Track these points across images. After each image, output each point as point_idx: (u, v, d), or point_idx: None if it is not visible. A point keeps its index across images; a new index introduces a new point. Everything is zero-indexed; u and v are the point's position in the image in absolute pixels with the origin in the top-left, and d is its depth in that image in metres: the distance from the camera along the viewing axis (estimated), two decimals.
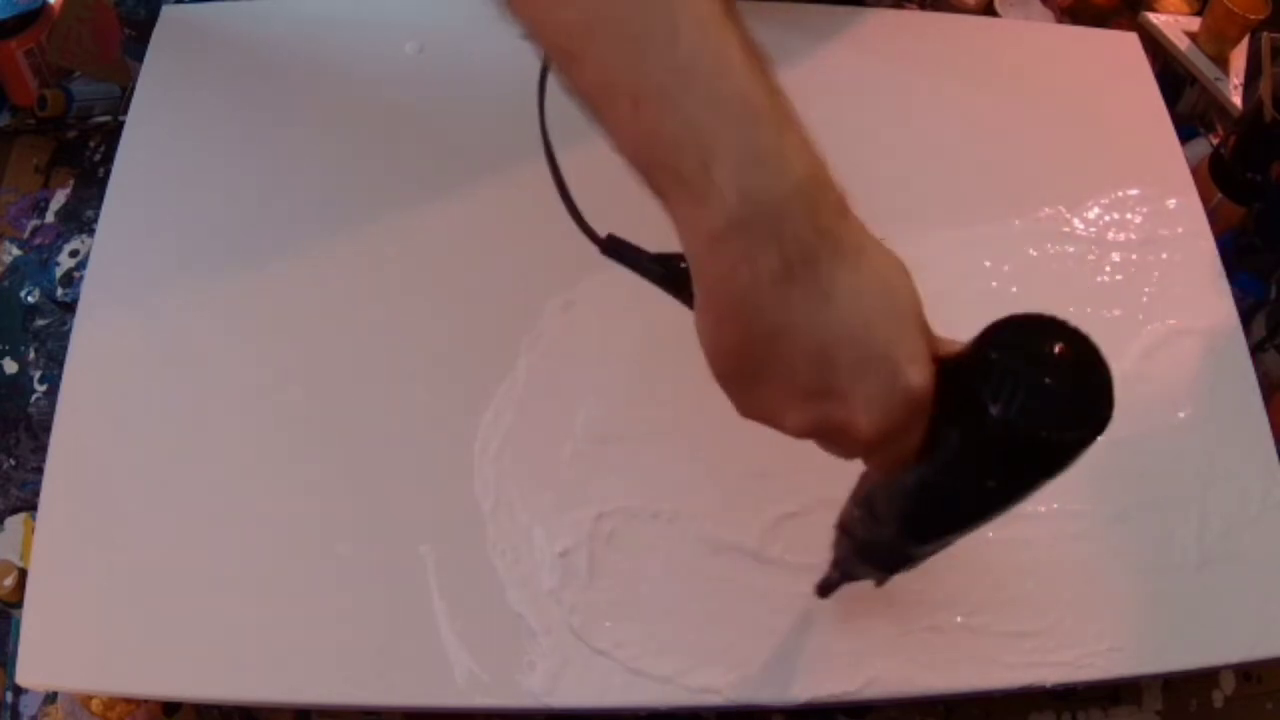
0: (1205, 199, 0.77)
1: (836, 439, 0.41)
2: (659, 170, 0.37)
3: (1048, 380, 0.40)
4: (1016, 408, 0.38)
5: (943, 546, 0.47)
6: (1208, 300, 0.71)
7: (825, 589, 0.53)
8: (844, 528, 0.50)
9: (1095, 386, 0.42)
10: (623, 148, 0.37)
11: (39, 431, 0.66)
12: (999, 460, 0.40)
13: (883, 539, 0.48)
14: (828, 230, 0.37)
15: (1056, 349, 0.41)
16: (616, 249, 0.44)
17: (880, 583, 0.51)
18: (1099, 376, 0.42)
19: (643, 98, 0.36)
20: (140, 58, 0.74)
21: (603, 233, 0.44)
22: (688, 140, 0.36)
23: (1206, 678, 0.65)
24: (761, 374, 0.39)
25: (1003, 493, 0.42)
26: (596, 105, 0.37)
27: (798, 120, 0.38)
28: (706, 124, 0.35)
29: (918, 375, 0.38)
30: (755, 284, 0.36)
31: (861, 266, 0.38)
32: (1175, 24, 0.92)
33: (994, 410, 0.38)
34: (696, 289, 0.39)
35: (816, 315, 0.37)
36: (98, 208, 0.67)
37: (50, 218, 0.75)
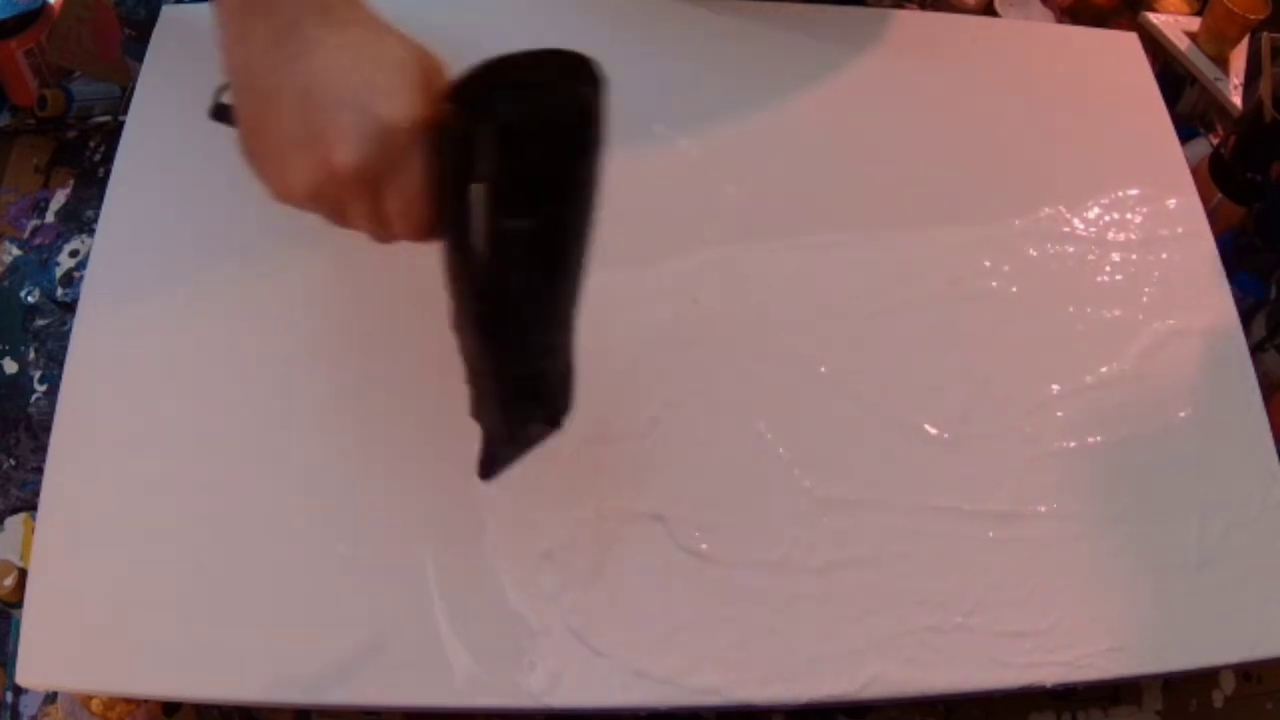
0: (1205, 199, 0.77)
1: (333, 189, 0.44)
2: None
3: (503, 156, 0.40)
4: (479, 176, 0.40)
5: (531, 349, 0.46)
6: (1208, 300, 0.71)
7: (485, 464, 0.52)
8: (467, 379, 0.49)
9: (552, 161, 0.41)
10: None
11: (39, 431, 0.66)
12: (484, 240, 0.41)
13: (471, 353, 0.47)
14: (321, 5, 0.43)
15: (522, 116, 0.40)
16: (219, 114, 0.48)
17: (524, 433, 0.50)
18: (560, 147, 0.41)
19: None
20: (140, 58, 0.74)
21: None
22: None
23: (1206, 678, 0.65)
24: (266, 137, 0.44)
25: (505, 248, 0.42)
26: None
27: None
28: None
29: (388, 107, 0.41)
30: (252, 53, 0.43)
31: (348, 31, 0.43)
32: (1175, 24, 0.92)
33: (450, 173, 0.41)
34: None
35: (296, 67, 0.42)
36: (98, 208, 0.67)
37: (50, 218, 0.75)
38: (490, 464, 0.53)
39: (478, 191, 0.40)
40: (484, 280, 0.44)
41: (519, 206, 0.40)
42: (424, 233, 0.45)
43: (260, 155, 0.46)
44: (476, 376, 0.48)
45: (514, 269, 0.43)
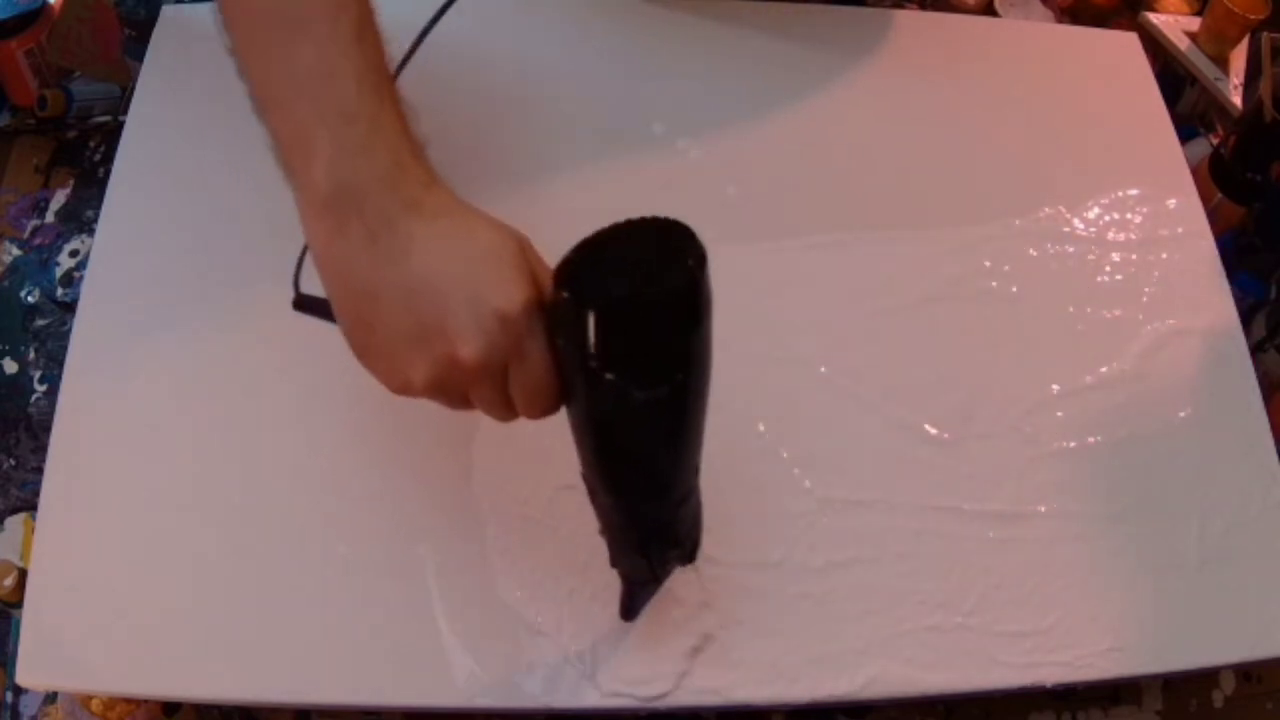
0: (1205, 199, 0.77)
1: (457, 381, 0.44)
2: (284, 167, 0.45)
3: (630, 334, 0.41)
4: (591, 354, 0.40)
5: (667, 499, 0.47)
6: (1208, 300, 0.71)
7: (627, 608, 0.53)
8: (602, 531, 0.50)
9: (669, 328, 0.41)
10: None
11: (39, 431, 0.66)
12: (602, 396, 0.42)
13: (607, 509, 0.48)
14: (410, 200, 0.43)
15: (623, 290, 0.41)
16: (303, 304, 0.49)
17: (664, 573, 0.51)
18: (674, 318, 0.41)
19: (270, 105, 0.45)
20: (140, 58, 0.74)
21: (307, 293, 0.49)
22: (296, 140, 0.44)
23: (1206, 678, 0.65)
24: (374, 335, 0.45)
25: (639, 424, 0.43)
26: (258, 112, 0.45)
27: (398, 123, 0.45)
28: (310, 127, 0.43)
29: (501, 297, 0.42)
30: (348, 252, 0.43)
31: (440, 223, 0.43)
32: (1175, 24, 0.92)
33: (571, 352, 0.41)
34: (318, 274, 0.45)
35: (399, 267, 0.43)
36: (98, 208, 0.67)
37: (50, 218, 0.75)
38: (632, 606, 0.54)
39: (609, 373, 0.41)
40: (617, 448, 0.45)
41: (655, 379, 0.41)
42: (552, 411, 0.45)
43: (371, 353, 0.46)
44: (613, 531, 0.50)
45: (646, 436, 0.44)
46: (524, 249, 0.44)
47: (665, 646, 0.56)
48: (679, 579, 0.57)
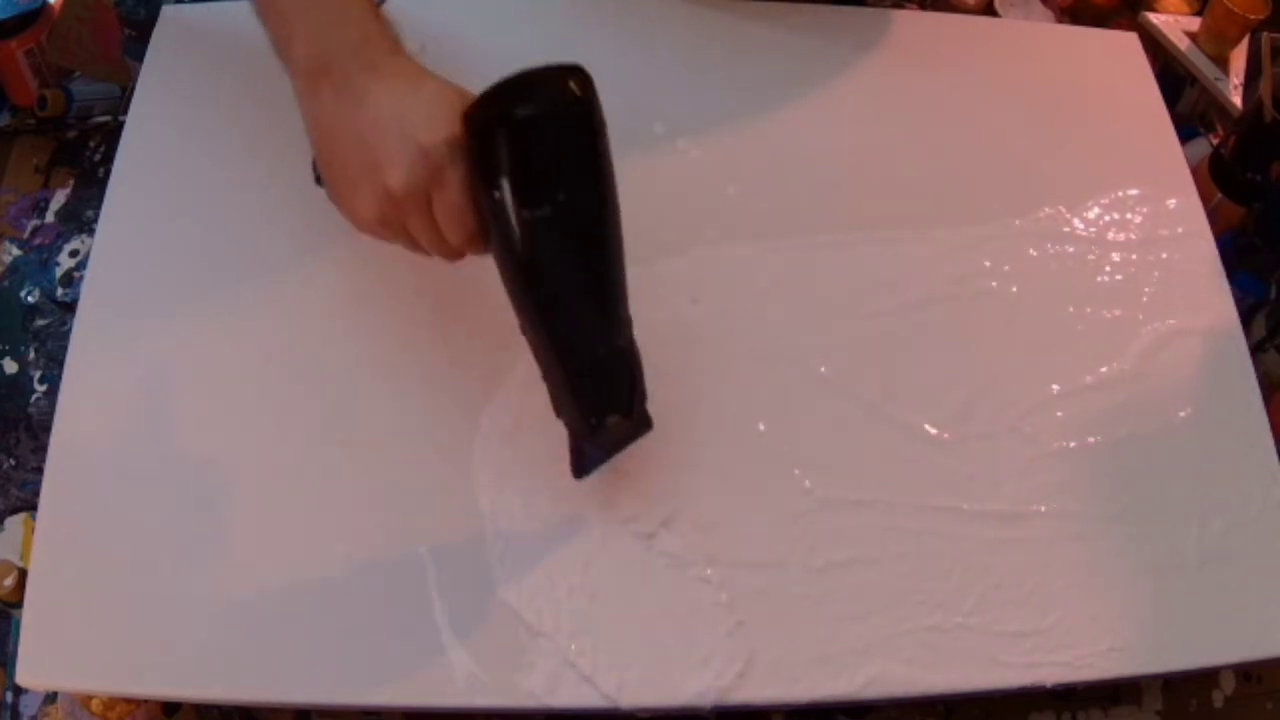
0: (1205, 199, 0.77)
1: (394, 212, 0.51)
2: (278, 55, 0.54)
3: (511, 153, 0.46)
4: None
5: (582, 336, 0.50)
6: (1208, 300, 0.71)
7: (575, 462, 0.55)
8: (546, 381, 0.53)
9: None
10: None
11: (39, 431, 0.66)
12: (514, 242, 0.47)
13: (534, 346, 0.51)
14: (370, 63, 0.51)
15: (521, 114, 0.46)
16: (320, 179, 0.55)
17: (614, 429, 0.53)
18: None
19: (265, 7, 0.53)
20: (140, 58, 0.74)
21: None
22: (282, 27, 0.53)
23: (1206, 678, 0.65)
24: (336, 175, 0.53)
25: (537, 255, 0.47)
26: (258, 15, 0.54)
27: (365, 4, 0.53)
28: (291, 14, 0.52)
29: (424, 131, 0.49)
30: (319, 107, 0.52)
31: (394, 80, 0.51)
32: (1175, 24, 0.92)
33: (475, 180, 0.47)
34: None
35: (353, 113, 0.51)
36: (98, 208, 0.67)
37: (50, 218, 0.75)
38: (579, 461, 0.55)
39: (498, 191, 0.46)
40: (524, 275, 0.49)
41: (538, 196, 0.45)
42: (476, 241, 0.51)
43: (337, 194, 0.53)
44: (547, 374, 0.52)
45: (548, 257, 0.48)
46: (463, 101, 0.50)
47: (666, 646, 0.56)
48: (680, 579, 0.57)
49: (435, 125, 0.49)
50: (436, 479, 0.59)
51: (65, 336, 0.65)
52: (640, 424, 0.56)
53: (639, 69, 0.76)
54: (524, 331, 0.52)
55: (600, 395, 0.52)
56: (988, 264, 0.70)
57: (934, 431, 0.63)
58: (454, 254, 0.53)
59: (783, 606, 0.57)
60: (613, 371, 0.52)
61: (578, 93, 0.46)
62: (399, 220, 0.51)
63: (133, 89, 0.72)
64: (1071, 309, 0.69)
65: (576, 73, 0.47)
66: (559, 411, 0.54)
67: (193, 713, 0.59)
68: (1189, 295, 0.71)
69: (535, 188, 0.46)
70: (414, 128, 0.49)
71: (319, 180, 0.55)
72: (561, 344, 0.51)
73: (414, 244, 0.53)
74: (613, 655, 0.55)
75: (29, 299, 0.72)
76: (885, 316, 0.67)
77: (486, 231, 0.50)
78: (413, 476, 0.59)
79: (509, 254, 0.49)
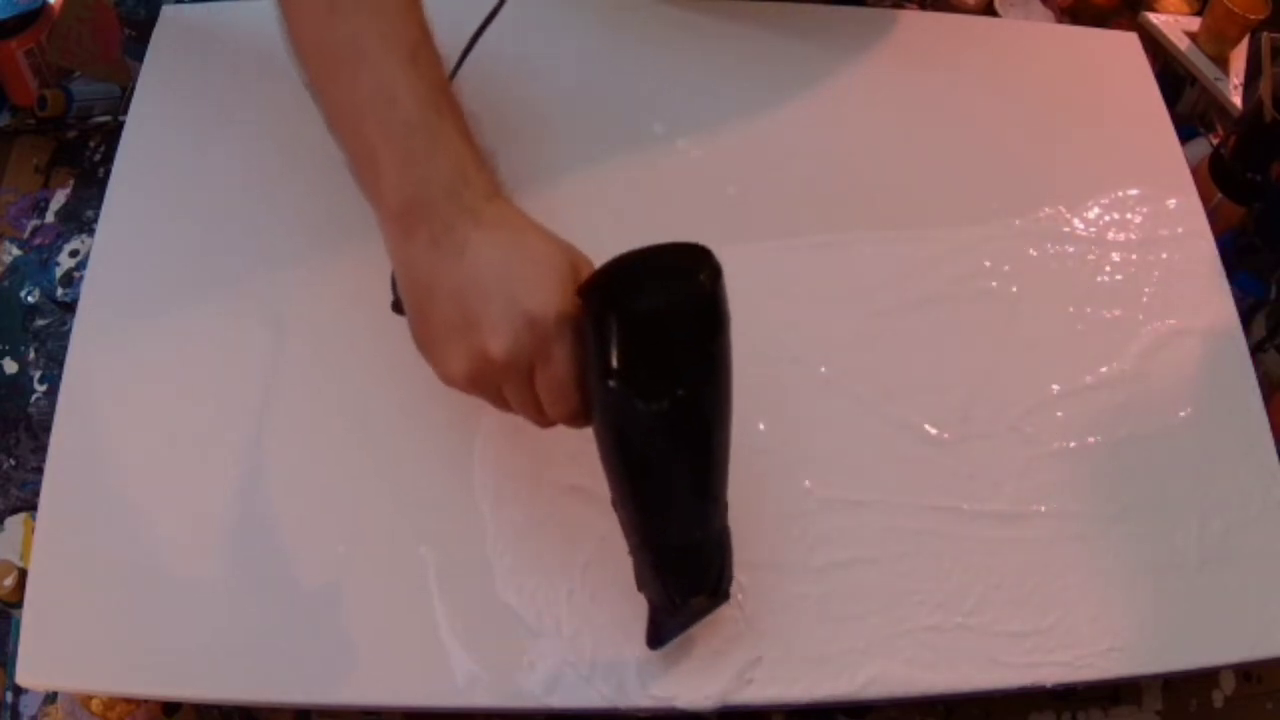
0: (1205, 199, 0.77)
1: (489, 375, 0.48)
2: (359, 184, 0.49)
3: (633, 344, 0.43)
4: (613, 368, 0.43)
5: (680, 522, 0.49)
6: (1208, 300, 0.71)
7: (652, 634, 0.54)
8: (630, 550, 0.51)
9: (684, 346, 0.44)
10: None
11: (39, 431, 0.66)
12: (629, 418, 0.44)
13: (626, 524, 0.50)
14: (470, 209, 0.47)
15: (646, 306, 0.43)
16: (399, 308, 0.52)
17: (696, 606, 0.52)
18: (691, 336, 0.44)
19: (341, 130, 0.49)
20: (140, 58, 0.74)
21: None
22: (365, 159, 0.48)
23: (1206, 678, 0.65)
24: (429, 327, 0.49)
25: (660, 445, 0.45)
26: (334, 138, 0.50)
27: (459, 135, 0.49)
28: (376, 146, 0.47)
29: (534, 300, 0.45)
30: (414, 254, 0.48)
31: (496, 231, 0.47)
32: (1175, 24, 0.92)
33: (590, 360, 0.44)
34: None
35: (454, 266, 0.47)
36: (98, 208, 0.67)
37: (50, 218, 0.75)
38: (657, 634, 0.54)
39: (614, 380, 0.43)
40: (629, 459, 0.47)
41: (658, 391, 0.43)
42: (578, 418, 0.48)
43: (426, 343, 0.50)
44: (636, 550, 0.51)
45: (659, 450, 0.46)
46: (575, 264, 0.47)
47: (665, 646, 0.56)
48: None
49: (544, 294, 0.45)
50: (437, 479, 0.59)
51: (65, 336, 0.65)
52: (720, 598, 0.53)
53: (639, 69, 0.76)
54: (615, 507, 0.50)
55: (689, 578, 0.51)
56: (988, 264, 0.70)
57: (934, 431, 0.63)
58: (546, 423, 0.49)
59: (783, 606, 0.57)
60: (705, 556, 0.51)
61: (708, 287, 0.43)
62: (493, 384, 0.48)
63: (133, 89, 0.72)
64: (1071, 309, 0.69)
65: (706, 261, 0.44)
66: (642, 586, 0.52)
67: (193, 713, 0.59)
68: (1189, 295, 0.71)
69: (655, 381, 0.43)
70: (521, 293, 0.45)
71: (398, 307, 0.52)
72: (657, 529, 0.49)
73: (502, 404, 0.50)
74: (613, 655, 0.55)
75: (29, 299, 0.72)
76: (885, 316, 0.67)
77: (590, 409, 0.47)
78: (413, 476, 0.59)
79: (617, 442, 0.47)
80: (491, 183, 0.49)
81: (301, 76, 0.51)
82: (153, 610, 0.55)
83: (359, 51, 0.47)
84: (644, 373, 0.43)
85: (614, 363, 0.43)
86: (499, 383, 0.48)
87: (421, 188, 0.47)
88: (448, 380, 0.49)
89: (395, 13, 0.48)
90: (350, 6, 0.48)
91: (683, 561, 0.50)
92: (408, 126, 0.47)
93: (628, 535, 0.51)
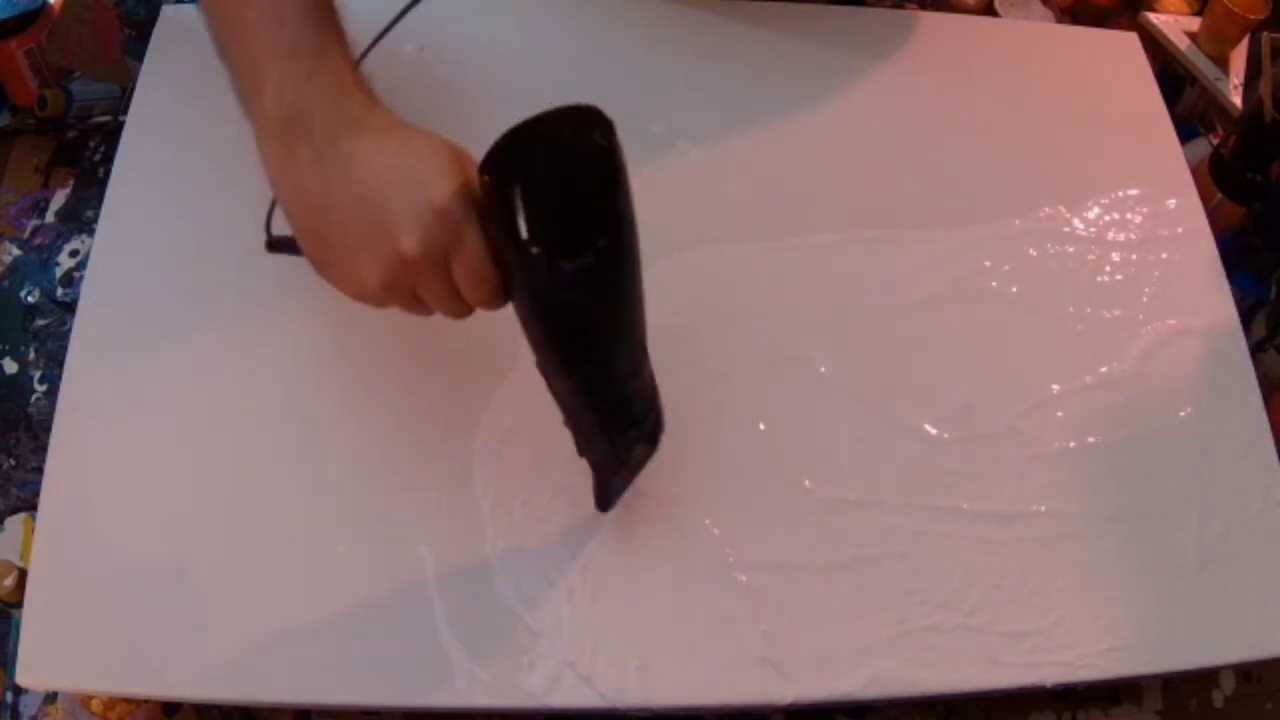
0: (1205, 199, 0.77)
1: (406, 277, 0.47)
2: (243, 104, 0.50)
3: (545, 208, 0.43)
4: (528, 233, 0.43)
5: (615, 374, 0.49)
6: (1208, 300, 0.71)
7: (600, 497, 0.55)
8: (565, 421, 0.52)
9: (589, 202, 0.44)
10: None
11: (39, 431, 0.66)
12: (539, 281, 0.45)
13: (563, 394, 0.50)
14: (351, 118, 0.47)
15: (551, 170, 0.44)
16: (275, 245, 0.53)
17: (630, 456, 0.53)
18: (594, 191, 0.44)
19: (229, 49, 0.50)
20: (140, 58, 0.74)
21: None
22: (250, 75, 0.49)
23: (1206, 678, 0.65)
24: (329, 247, 0.48)
25: (571, 298, 0.45)
26: (221, 58, 0.51)
27: (341, 54, 0.50)
28: (261, 62, 0.48)
29: (434, 190, 0.45)
30: (298, 172, 0.47)
31: (380, 136, 0.47)
32: (1175, 24, 0.92)
33: (503, 236, 0.44)
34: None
35: (344, 178, 0.47)
36: (98, 208, 0.67)
37: (50, 218, 0.75)
38: (605, 495, 0.55)
39: (536, 246, 0.43)
40: (559, 323, 0.47)
41: (580, 246, 0.43)
42: (497, 298, 0.48)
43: (329, 264, 0.49)
44: (572, 415, 0.51)
45: (588, 304, 0.46)
46: (459, 154, 0.47)
47: (665, 646, 0.56)
48: (679, 581, 0.57)
49: (441, 181, 0.45)
50: (436, 479, 0.59)
51: (65, 336, 0.65)
52: (655, 446, 0.56)
53: (639, 69, 0.76)
54: (548, 378, 0.50)
55: (631, 427, 0.52)
56: (988, 264, 0.70)
57: (934, 431, 0.63)
58: (466, 312, 0.50)
59: (783, 606, 0.57)
60: (640, 401, 0.52)
61: (604, 142, 0.44)
62: (409, 285, 0.48)
63: (133, 89, 0.72)
64: (1071, 309, 0.69)
65: (597, 119, 0.45)
66: (583, 451, 0.53)
67: (193, 713, 0.59)
68: (1189, 295, 0.71)
69: (574, 240, 0.43)
70: (421, 187, 0.45)
71: (275, 247, 0.51)
72: (595, 385, 0.50)
73: (419, 306, 0.50)
74: (612, 655, 0.55)
75: (29, 299, 0.72)
76: (885, 316, 0.67)
77: (508, 286, 0.48)
78: (413, 476, 0.59)
79: (542, 305, 0.47)
80: (370, 94, 0.50)
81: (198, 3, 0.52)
82: (153, 610, 0.55)
83: None
84: (561, 234, 0.43)
85: (531, 230, 0.43)
86: (415, 283, 0.48)
87: (301, 100, 0.47)
88: (360, 296, 0.49)
89: None
90: None
91: (625, 412, 0.51)
92: (293, 44, 0.48)
93: (561, 401, 0.51)
